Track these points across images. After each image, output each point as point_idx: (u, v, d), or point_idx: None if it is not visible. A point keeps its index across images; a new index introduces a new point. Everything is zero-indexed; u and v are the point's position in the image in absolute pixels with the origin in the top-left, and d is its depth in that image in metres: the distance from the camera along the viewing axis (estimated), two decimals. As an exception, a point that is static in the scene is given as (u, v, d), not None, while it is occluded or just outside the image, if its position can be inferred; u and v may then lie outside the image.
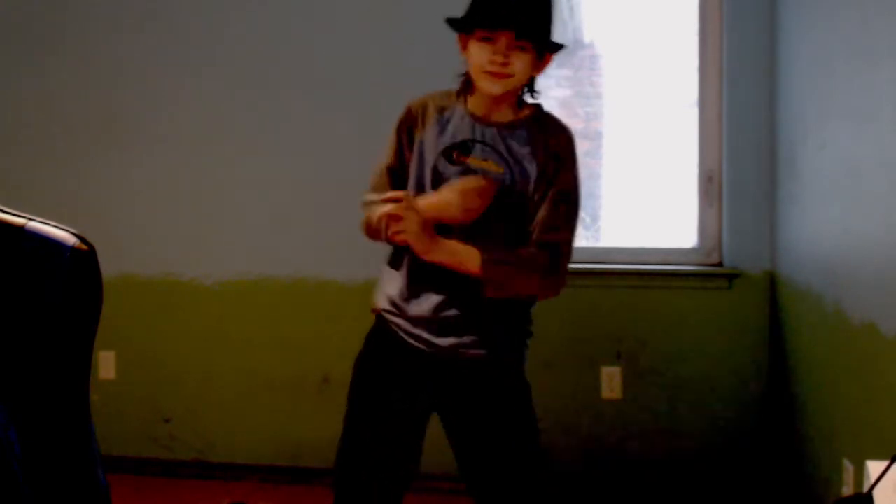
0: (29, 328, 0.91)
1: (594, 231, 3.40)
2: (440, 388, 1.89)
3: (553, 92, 3.26)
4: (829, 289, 2.40)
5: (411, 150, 1.90)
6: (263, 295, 3.37)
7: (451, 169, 1.84)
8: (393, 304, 1.89)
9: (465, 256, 1.78)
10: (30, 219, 0.94)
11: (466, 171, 1.82)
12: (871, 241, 2.06)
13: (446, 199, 1.79)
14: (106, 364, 3.45)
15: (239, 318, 3.40)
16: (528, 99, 1.91)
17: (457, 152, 1.84)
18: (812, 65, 2.60)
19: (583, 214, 3.35)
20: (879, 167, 2.00)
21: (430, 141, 1.87)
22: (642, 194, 3.33)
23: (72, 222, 1.00)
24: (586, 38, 3.44)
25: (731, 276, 3.08)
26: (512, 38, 1.76)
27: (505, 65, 1.77)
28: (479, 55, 1.79)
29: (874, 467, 1.25)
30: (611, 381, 3.16)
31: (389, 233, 1.76)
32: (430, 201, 1.80)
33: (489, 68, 1.78)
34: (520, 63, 1.78)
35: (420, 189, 1.87)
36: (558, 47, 1.85)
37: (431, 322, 1.85)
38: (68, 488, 0.95)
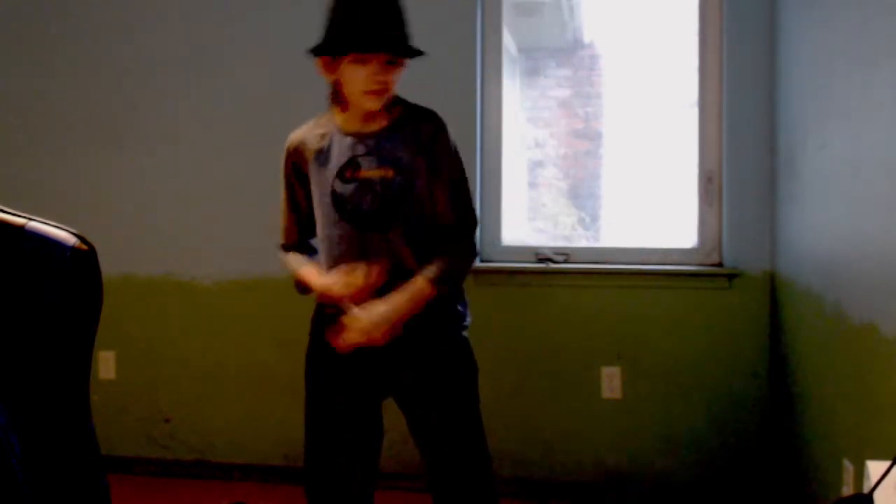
0: (29, 328, 0.91)
1: (594, 231, 3.40)
2: (386, 369, 1.96)
3: (553, 92, 3.27)
4: (829, 289, 2.40)
5: (303, 184, 2.01)
6: (263, 295, 3.37)
7: (348, 186, 1.91)
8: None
9: (416, 297, 1.86)
10: (30, 219, 0.94)
11: (362, 184, 1.90)
12: (871, 241, 2.06)
13: (332, 291, 1.88)
14: (106, 364, 3.45)
15: (239, 318, 3.40)
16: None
17: (349, 171, 1.92)
18: (812, 65, 2.60)
19: (583, 214, 3.37)
20: (879, 167, 2.00)
21: (318, 173, 1.95)
22: (642, 194, 3.33)
23: (72, 222, 1.00)
24: (586, 38, 3.45)
25: (731, 276, 3.08)
26: (386, 58, 1.85)
27: (384, 83, 1.86)
28: (355, 76, 1.86)
29: (874, 467, 1.25)
30: (611, 381, 3.16)
31: (344, 344, 1.85)
32: (319, 287, 1.92)
33: (372, 87, 1.85)
34: (393, 77, 1.89)
35: (327, 217, 1.94)
36: (416, 53, 1.93)
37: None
38: (68, 488, 0.95)
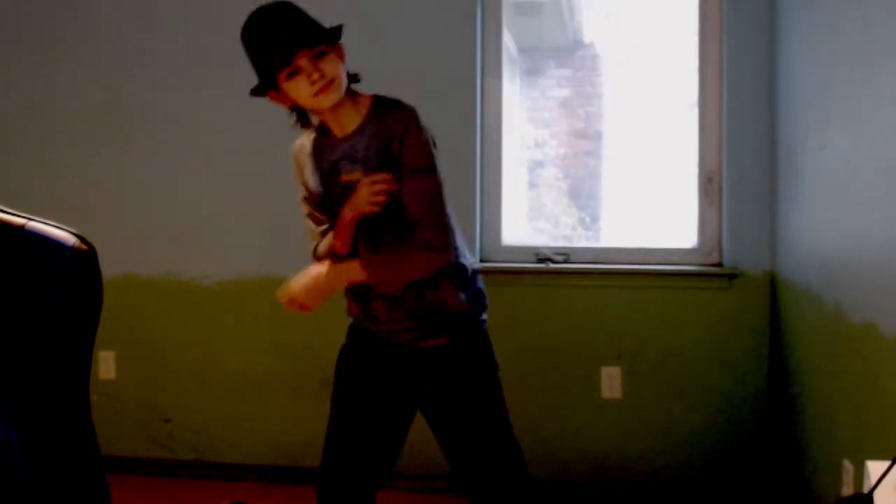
0: (29, 328, 0.91)
1: (594, 231, 3.40)
2: (412, 377, 1.96)
3: (553, 92, 3.27)
4: (829, 289, 2.40)
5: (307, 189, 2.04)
6: (263, 295, 3.36)
7: (335, 192, 1.93)
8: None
9: (345, 273, 1.91)
10: (30, 219, 0.94)
11: (345, 188, 1.90)
12: (871, 241, 2.06)
13: (356, 204, 1.88)
14: (106, 364, 3.45)
15: (239, 318, 3.40)
16: (358, 88, 1.97)
17: (332, 176, 1.93)
18: (812, 65, 2.60)
19: (583, 214, 3.37)
20: (879, 167, 2.00)
21: (312, 180, 1.98)
22: (642, 194, 3.33)
23: (72, 222, 1.00)
24: (586, 38, 3.44)
25: (731, 276, 3.08)
26: (309, 54, 1.82)
27: (322, 76, 1.82)
28: (297, 89, 1.85)
29: (874, 467, 1.25)
30: (611, 381, 3.16)
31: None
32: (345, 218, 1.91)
33: (314, 88, 1.83)
34: (330, 65, 1.85)
35: (331, 223, 1.97)
36: (338, 31, 1.90)
37: (387, 323, 1.95)
38: (68, 488, 0.95)
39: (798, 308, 2.77)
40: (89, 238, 0.96)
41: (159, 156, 3.43)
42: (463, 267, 1.94)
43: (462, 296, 1.93)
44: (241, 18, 3.33)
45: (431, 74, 3.19)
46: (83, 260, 0.94)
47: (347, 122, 1.91)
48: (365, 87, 3.33)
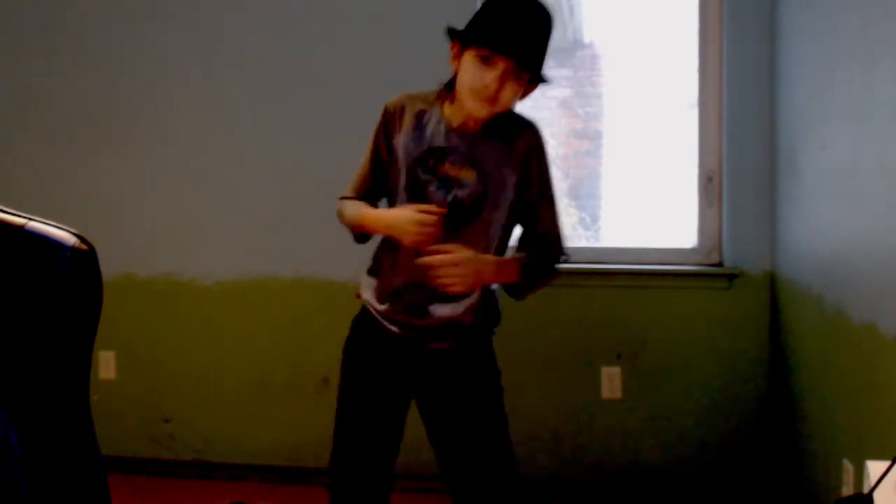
0: (29, 328, 0.91)
1: (594, 231, 3.40)
2: (415, 372, 1.94)
3: (553, 92, 3.26)
4: (829, 289, 2.40)
5: (389, 152, 1.92)
6: (263, 295, 3.37)
7: (426, 176, 1.86)
8: (371, 295, 1.95)
9: (502, 270, 1.87)
10: (30, 219, 0.94)
11: (442, 179, 1.84)
12: (871, 241, 2.06)
13: (400, 226, 1.81)
14: (106, 364, 3.45)
15: (239, 318, 3.40)
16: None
17: (433, 160, 1.86)
18: (812, 65, 2.60)
19: (583, 214, 3.36)
20: (879, 167, 2.00)
21: (408, 145, 1.88)
22: (642, 194, 3.33)
23: (72, 222, 1.00)
24: (586, 38, 3.44)
25: (731, 276, 3.08)
26: (510, 66, 1.74)
27: (498, 91, 1.76)
28: (471, 74, 1.76)
29: (874, 467, 1.25)
30: (611, 381, 3.16)
31: (438, 284, 1.78)
32: (386, 223, 1.86)
33: (481, 92, 1.76)
34: (509, 93, 1.78)
35: (397, 194, 1.90)
36: (546, 80, 1.85)
37: (410, 316, 1.90)
38: (68, 489, 0.95)
39: (798, 308, 2.76)
40: (89, 238, 0.96)
41: (159, 155, 3.43)
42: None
43: (478, 312, 1.92)
44: (240, 16, 3.33)
45: (431, 74, 3.18)
46: (83, 260, 0.94)
47: (471, 120, 1.85)
48: (365, 87, 3.34)
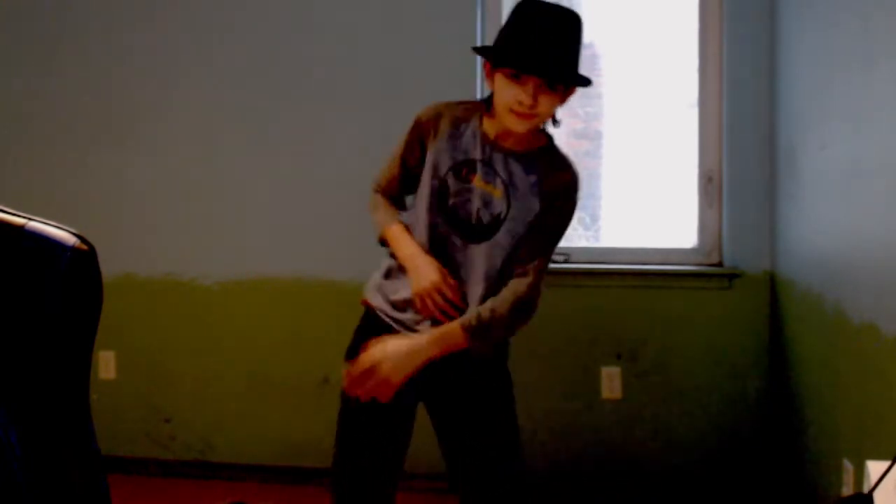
0: (29, 328, 0.91)
1: (594, 231, 3.40)
2: (426, 379, 1.89)
3: (553, 92, 3.26)
4: (829, 289, 2.40)
5: (420, 159, 1.92)
6: (263, 295, 3.37)
7: (456, 184, 1.85)
8: (385, 301, 1.93)
9: (445, 343, 1.79)
10: (30, 219, 0.94)
11: (469, 190, 1.84)
12: (871, 241, 2.06)
13: (420, 281, 1.83)
14: (106, 364, 3.45)
15: (239, 318, 3.40)
16: (549, 127, 1.91)
17: (465, 169, 1.85)
18: (812, 65, 2.60)
19: (583, 214, 3.36)
20: (879, 167, 2.00)
21: (442, 153, 1.87)
22: (642, 194, 3.33)
23: (72, 222, 1.00)
24: (586, 38, 3.44)
25: (731, 276, 3.08)
26: (541, 82, 1.75)
27: (533, 107, 1.75)
28: (505, 92, 1.77)
29: (874, 467, 1.25)
30: (611, 381, 3.16)
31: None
32: (408, 263, 1.87)
33: (516, 108, 1.76)
34: (546, 104, 1.77)
35: (423, 196, 1.89)
36: (587, 82, 1.82)
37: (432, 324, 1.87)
38: (68, 489, 0.95)
39: (798, 308, 2.77)
40: (89, 238, 0.96)
41: (160, 155, 3.43)
42: None
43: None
44: (240, 16, 3.31)
45: (431, 74, 3.19)
46: (83, 260, 0.94)
47: (510, 139, 1.84)
48: (365, 89, 3.34)
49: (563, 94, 1.81)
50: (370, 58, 3.28)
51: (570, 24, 1.78)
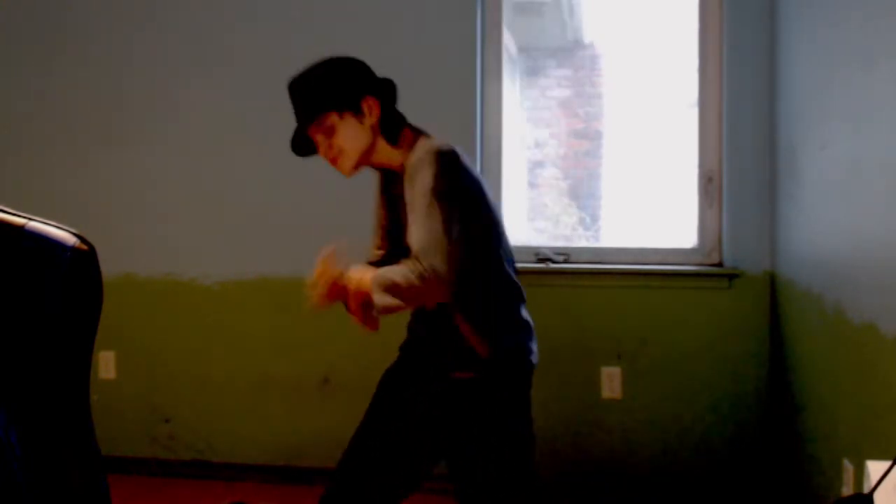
0: (29, 328, 0.91)
1: (594, 231, 3.40)
2: (441, 415, 1.91)
3: (553, 92, 3.27)
4: (829, 289, 2.40)
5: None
6: (263, 295, 3.37)
7: (399, 221, 1.92)
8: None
9: (356, 284, 1.79)
10: (30, 219, 0.94)
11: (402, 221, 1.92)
12: (871, 241, 2.06)
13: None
14: (106, 364, 3.45)
15: (239, 318, 3.40)
16: (416, 131, 1.93)
17: (397, 206, 1.94)
18: (812, 65, 2.60)
19: (583, 214, 3.36)
20: (879, 167, 2.00)
21: (384, 208, 2.02)
22: (642, 194, 3.33)
23: (72, 222, 1.00)
24: (586, 38, 3.44)
25: (731, 276, 3.08)
26: (315, 131, 1.86)
27: (330, 147, 1.86)
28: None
29: (874, 467, 1.25)
30: (611, 381, 3.16)
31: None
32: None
33: (330, 163, 1.89)
34: (340, 136, 1.86)
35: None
36: (353, 94, 1.87)
37: (424, 344, 1.97)
38: (68, 489, 0.95)
39: (798, 308, 2.77)
40: (89, 238, 0.96)
41: (160, 155, 3.43)
42: (483, 308, 1.85)
43: (483, 338, 1.84)
44: (240, 16, 3.33)
45: (431, 74, 3.19)
46: (83, 260, 0.94)
47: (389, 162, 1.90)
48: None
49: (356, 112, 1.86)
50: (370, 58, 3.27)
51: (308, 72, 1.94)
